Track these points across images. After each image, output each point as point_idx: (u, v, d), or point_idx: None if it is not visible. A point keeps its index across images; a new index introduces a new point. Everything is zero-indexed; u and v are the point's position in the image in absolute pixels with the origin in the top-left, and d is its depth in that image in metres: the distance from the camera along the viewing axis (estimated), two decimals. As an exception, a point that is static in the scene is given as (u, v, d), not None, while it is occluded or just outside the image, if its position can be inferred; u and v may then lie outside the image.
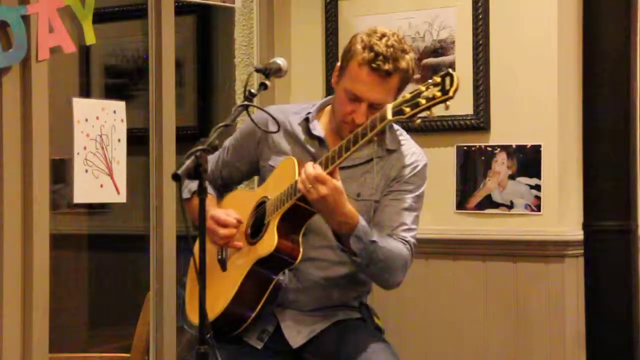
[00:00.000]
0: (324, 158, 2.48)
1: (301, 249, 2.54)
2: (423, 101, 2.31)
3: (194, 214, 2.84)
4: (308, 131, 2.72)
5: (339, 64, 2.68)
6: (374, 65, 2.54)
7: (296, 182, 2.49)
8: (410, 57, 2.61)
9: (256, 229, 2.64)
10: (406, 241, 2.63)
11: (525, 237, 3.55)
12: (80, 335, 4.53)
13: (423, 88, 2.33)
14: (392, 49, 2.55)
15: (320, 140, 2.71)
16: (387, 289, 2.68)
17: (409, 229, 2.65)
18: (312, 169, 2.41)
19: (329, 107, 2.77)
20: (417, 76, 3.66)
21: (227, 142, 2.89)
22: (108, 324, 4.55)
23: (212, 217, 2.62)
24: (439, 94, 2.30)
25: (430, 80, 2.34)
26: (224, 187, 2.92)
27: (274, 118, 2.58)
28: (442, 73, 2.33)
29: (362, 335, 2.63)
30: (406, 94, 2.38)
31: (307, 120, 2.73)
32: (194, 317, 2.71)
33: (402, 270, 2.60)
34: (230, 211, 2.68)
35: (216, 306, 2.58)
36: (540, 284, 3.54)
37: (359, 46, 2.58)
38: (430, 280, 3.73)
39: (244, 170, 2.87)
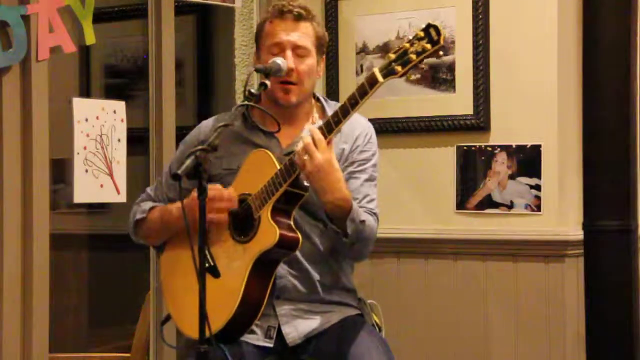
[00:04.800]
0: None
1: (299, 235, 2.53)
2: (413, 56, 2.36)
3: (151, 231, 2.77)
4: (249, 126, 2.72)
5: (254, 49, 2.77)
6: (285, 9, 2.67)
7: (282, 168, 2.49)
8: (317, 19, 2.74)
9: (243, 228, 2.61)
10: (373, 213, 2.67)
11: (525, 237, 3.55)
12: (80, 335, 4.53)
13: (407, 45, 2.38)
14: (297, 4, 2.70)
15: (263, 131, 2.71)
16: (359, 261, 2.77)
17: (372, 200, 2.70)
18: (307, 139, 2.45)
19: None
20: (417, 76, 3.69)
21: (170, 164, 2.83)
22: (108, 324, 4.55)
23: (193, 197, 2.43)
24: (428, 45, 2.35)
25: (410, 37, 2.38)
26: None
27: (273, 114, 2.61)
28: (422, 27, 2.37)
29: (359, 333, 2.62)
30: (390, 54, 2.41)
31: (244, 116, 2.72)
32: (189, 330, 2.61)
33: (373, 242, 2.67)
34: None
35: (221, 315, 2.51)
36: (540, 284, 3.54)
37: (266, 14, 2.74)
38: (430, 280, 3.73)
39: (190, 188, 2.80)
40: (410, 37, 2.38)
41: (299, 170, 2.49)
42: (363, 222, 2.55)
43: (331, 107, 2.75)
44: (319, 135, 2.45)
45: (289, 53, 2.65)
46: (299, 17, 2.68)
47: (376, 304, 2.79)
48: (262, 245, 2.52)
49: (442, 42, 2.35)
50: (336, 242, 2.61)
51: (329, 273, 2.69)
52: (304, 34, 2.67)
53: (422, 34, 2.36)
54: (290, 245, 2.53)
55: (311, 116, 2.76)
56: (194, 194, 2.36)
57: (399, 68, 2.38)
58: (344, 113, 2.45)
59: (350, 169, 2.68)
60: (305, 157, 2.44)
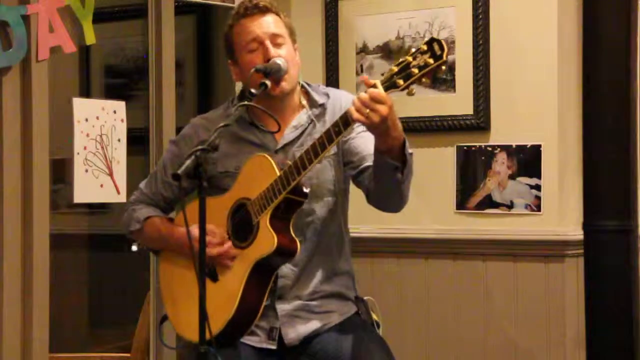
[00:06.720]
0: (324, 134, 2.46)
1: (298, 241, 2.53)
2: (416, 70, 2.35)
3: (149, 240, 2.77)
4: (244, 124, 2.70)
5: (229, 60, 2.74)
6: (249, 6, 2.67)
7: (282, 175, 2.48)
8: (281, 10, 2.73)
9: (242, 233, 2.59)
10: None
11: (525, 237, 3.55)
12: (80, 335, 4.53)
13: (410, 58, 2.36)
14: (256, 1, 2.69)
15: (258, 128, 2.69)
16: (401, 208, 2.69)
17: None
18: (365, 93, 2.38)
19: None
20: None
21: (164, 161, 2.80)
22: (108, 324, 4.55)
23: (195, 238, 2.36)
24: (431, 60, 2.34)
25: (414, 50, 2.37)
26: (168, 207, 2.82)
27: (273, 115, 2.59)
28: (426, 40, 2.36)
29: (360, 335, 2.62)
30: (392, 66, 2.40)
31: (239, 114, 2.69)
32: (188, 333, 2.61)
33: None
34: (210, 228, 2.53)
35: (219, 319, 2.51)
36: (540, 284, 3.54)
37: (230, 21, 2.71)
38: (430, 280, 3.73)
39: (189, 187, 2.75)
40: (414, 50, 2.37)
41: (298, 178, 2.48)
42: (411, 154, 2.53)
43: (314, 89, 2.75)
44: (369, 94, 2.36)
45: (268, 43, 2.63)
46: (265, 10, 2.67)
47: (373, 300, 2.79)
48: (260, 252, 2.52)
49: (445, 57, 2.33)
50: (382, 185, 2.55)
51: (328, 263, 2.68)
52: (275, 23, 2.67)
53: (425, 47, 2.34)
54: (289, 253, 2.53)
55: (300, 105, 2.74)
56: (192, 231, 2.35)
57: (400, 82, 2.36)
58: (344, 124, 2.42)
59: (352, 134, 2.66)
60: (368, 111, 2.36)
